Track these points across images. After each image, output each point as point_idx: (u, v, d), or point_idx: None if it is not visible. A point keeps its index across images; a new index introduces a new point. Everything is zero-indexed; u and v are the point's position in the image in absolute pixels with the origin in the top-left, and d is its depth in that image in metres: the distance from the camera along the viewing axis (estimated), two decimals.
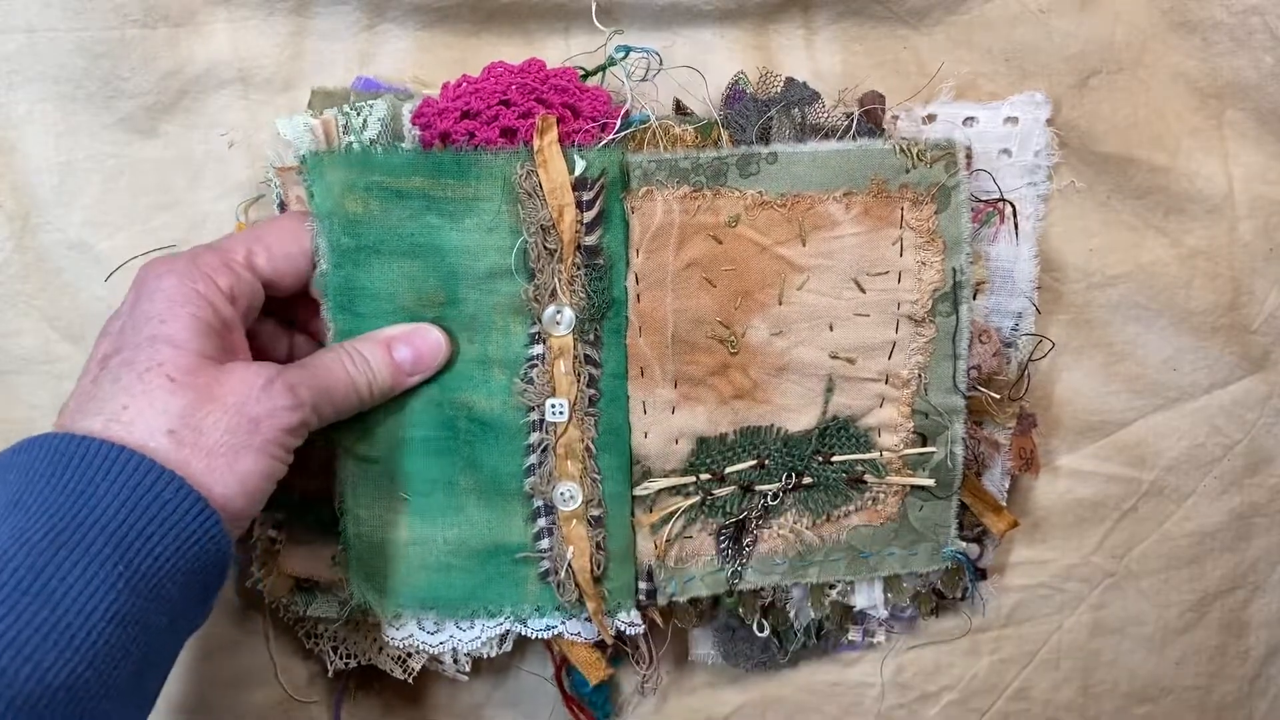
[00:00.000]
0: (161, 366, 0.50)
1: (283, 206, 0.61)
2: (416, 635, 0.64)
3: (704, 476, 0.64)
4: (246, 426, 0.52)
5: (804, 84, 0.62)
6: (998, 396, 0.64)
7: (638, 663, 0.69)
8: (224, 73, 0.62)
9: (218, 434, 0.51)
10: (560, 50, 0.63)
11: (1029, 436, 0.67)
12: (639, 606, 0.65)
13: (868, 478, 0.64)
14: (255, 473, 0.52)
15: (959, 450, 0.64)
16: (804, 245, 0.61)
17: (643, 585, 0.65)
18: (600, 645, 0.66)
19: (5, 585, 0.44)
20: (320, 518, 0.63)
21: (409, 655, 0.66)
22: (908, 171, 0.60)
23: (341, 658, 0.66)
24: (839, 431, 0.64)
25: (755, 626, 0.68)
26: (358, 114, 0.59)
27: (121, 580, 0.46)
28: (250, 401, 0.52)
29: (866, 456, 0.64)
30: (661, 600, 0.65)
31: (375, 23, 0.63)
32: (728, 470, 0.64)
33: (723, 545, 0.65)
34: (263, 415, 0.52)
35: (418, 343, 0.60)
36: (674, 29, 0.64)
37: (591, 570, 0.62)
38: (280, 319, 0.62)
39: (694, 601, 0.67)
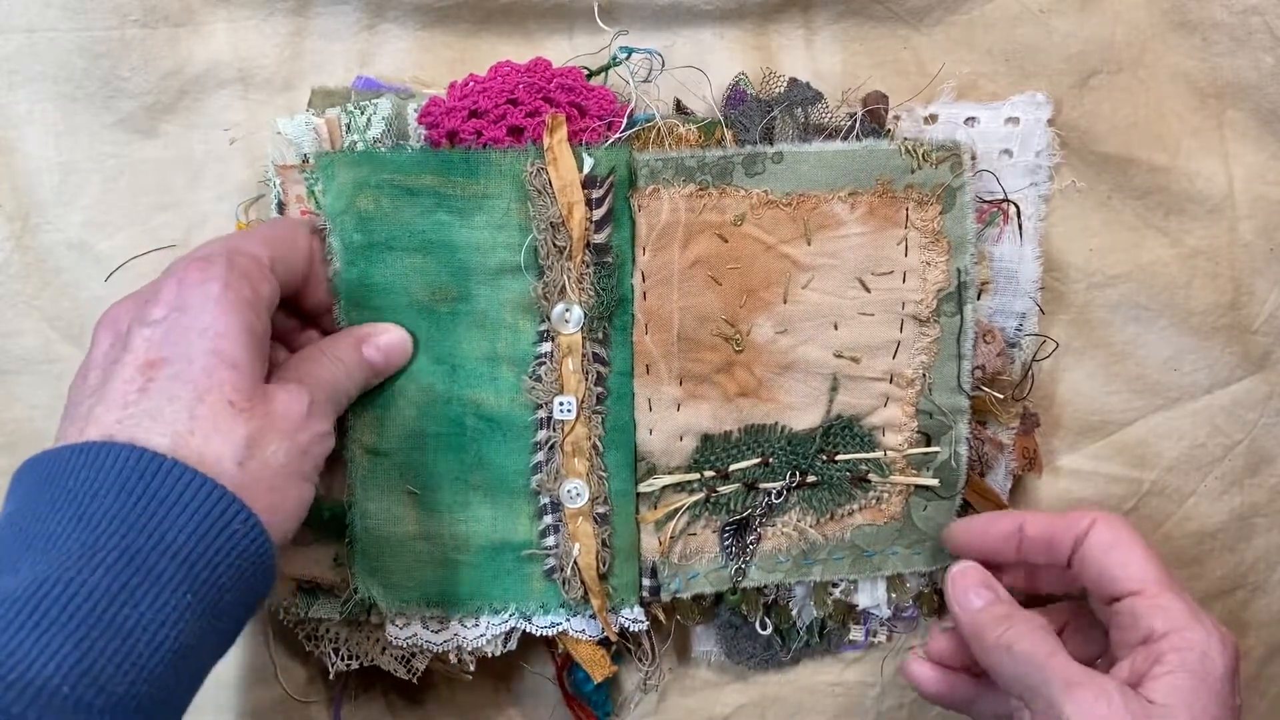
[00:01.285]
0: (222, 390, 0.49)
1: (281, 206, 0.61)
2: (421, 634, 0.64)
3: (708, 474, 0.64)
4: (299, 456, 0.51)
5: (806, 84, 0.62)
6: (1001, 396, 0.65)
7: (640, 660, 0.69)
8: (224, 73, 0.62)
9: (278, 464, 0.50)
10: (560, 50, 0.63)
11: (1032, 436, 0.67)
12: (642, 603, 0.65)
13: (872, 477, 0.64)
14: (302, 501, 0.52)
15: (963, 450, 0.64)
16: (809, 244, 0.61)
17: (646, 582, 0.65)
18: (604, 642, 0.66)
19: (81, 609, 0.43)
20: (321, 519, 0.63)
21: (413, 655, 0.66)
22: (913, 172, 0.61)
23: (343, 659, 0.66)
24: (843, 430, 0.64)
25: (758, 624, 0.68)
26: (361, 113, 0.59)
27: (189, 611, 0.45)
28: (300, 429, 0.52)
29: (870, 455, 0.64)
30: (665, 597, 0.65)
31: (375, 23, 0.63)
32: (732, 468, 0.64)
33: (726, 542, 0.65)
34: (310, 443, 0.52)
35: (383, 342, 0.59)
36: (674, 29, 0.64)
37: (597, 567, 0.62)
38: None
39: (697, 598, 0.67)
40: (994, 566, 0.61)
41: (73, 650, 0.42)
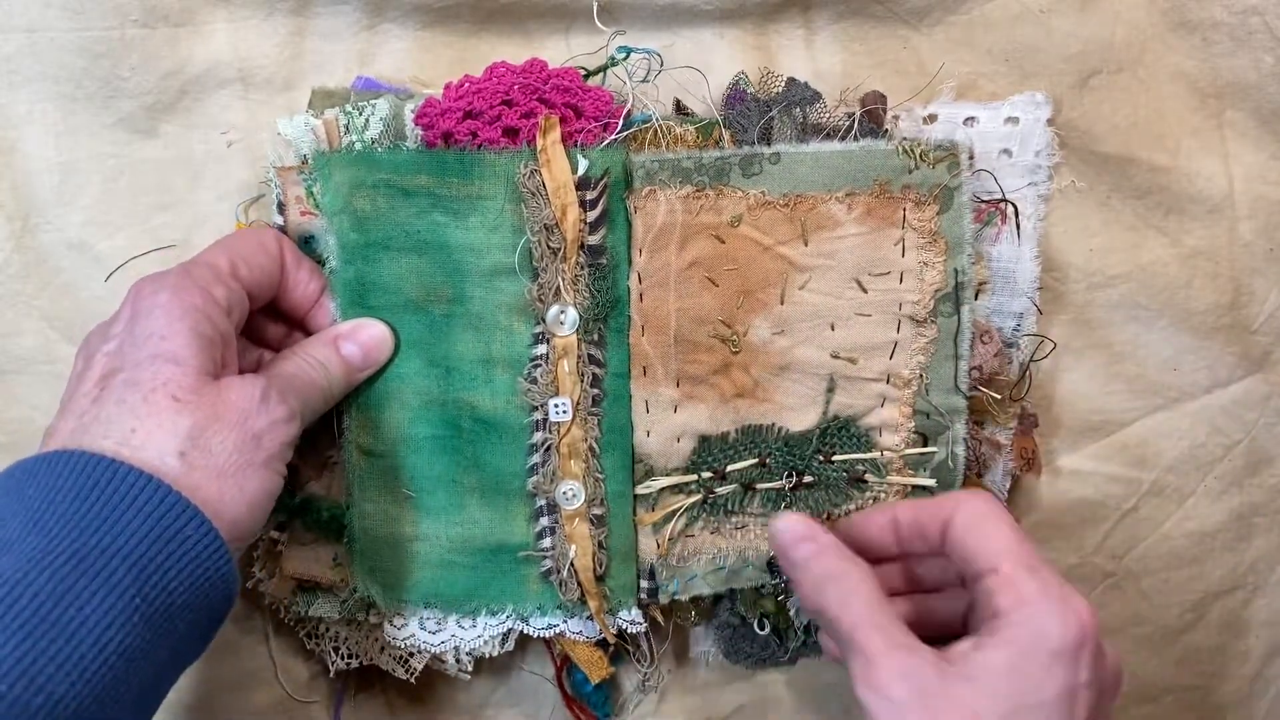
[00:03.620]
0: (166, 386, 0.50)
1: (282, 207, 0.61)
2: (418, 635, 0.64)
3: (705, 475, 0.64)
4: (251, 444, 0.51)
5: (805, 84, 0.62)
6: (999, 397, 0.64)
7: (639, 661, 0.69)
8: (224, 73, 0.62)
9: (225, 453, 0.50)
10: (560, 50, 0.63)
11: (1030, 436, 0.67)
12: (640, 605, 0.65)
13: (869, 477, 0.64)
14: (261, 491, 0.52)
15: (960, 450, 0.64)
16: (806, 245, 0.61)
17: (644, 584, 0.65)
18: (602, 644, 0.66)
19: (25, 611, 0.43)
20: (321, 519, 0.63)
21: (411, 655, 0.66)
22: (910, 172, 0.60)
23: (343, 658, 0.66)
24: (840, 431, 0.64)
25: (756, 624, 0.68)
26: (359, 114, 0.59)
27: (137, 614, 0.46)
28: (251, 416, 0.52)
29: (867, 456, 0.64)
30: (663, 599, 0.65)
31: (375, 23, 0.63)
32: (729, 469, 0.64)
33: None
34: (264, 430, 0.52)
35: (363, 338, 0.60)
36: (674, 29, 0.64)
37: (594, 569, 0.63)
38: (245, 334, 0.61)
39: (695, 599, 0.67)
40: (881, 561, 0.58)
41: (14, 650, 0.43)
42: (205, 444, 0.50)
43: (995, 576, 0.51)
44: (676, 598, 0.66)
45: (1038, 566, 0.51)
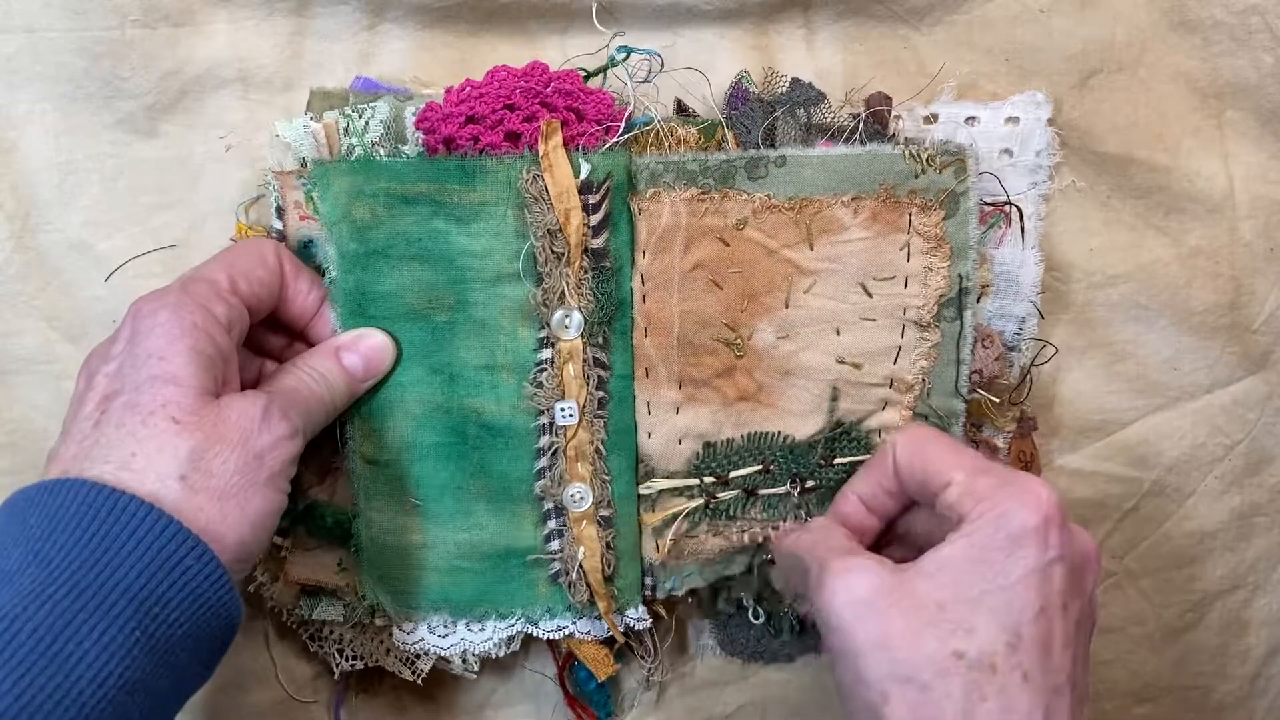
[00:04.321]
0: (165, 408, 0.50)
1: (281, 212, 0.61)
2: (427, 639, 0.64)
3: (708, 479, 0.64)
4: (253, 463, 0.51)
5: (809, 84, 0.62)
6: (998, 400, 0.64)
7: (642, 656, 0.69)
8: (224, 73, 0.62)
9: (227, 475, 0.50)
10: (560, 50, 0.63)
11: (1029, 439, 0.67)
12: (644, 601, 0.65)
13: None
14: (265, 511, 0.52)
15: None
16: (811, 249, 0.61)
17: (645, 580, 0.65)
18: (607, 641, 0.66)
19: (24, 646, 0.43)
20: (325, 525, 0.63)
21: (417, 656, 0.66)
22: (917, 177, 0.60)
23: (347, 660, 0.66)
24: (842, 436, 0.64)
25: (751, 614, 0.68)
26: (359, 116, 0.59)
27: (138, 647, 0.45)
28: (253, 435, 0.51)
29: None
30: (660, 595, 0.65)
31: (375, 23, 0.63)
32: (732, 475, 0.64)
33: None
34: (266, 448, 0.52)
35: (364, 348, 0.59)
36: (674, 29, 0.64)
37: (602, 570, 0.63)
38: (245, 345, 0.61)
39: (692, 592, 0.67)
40: (883, 539, 0.61)
41: (12, 686, 0.42)
42: (206, 466, 0.50)
43: (951, 488, 0.52)
44: (673, 593, 0.66)
45: (988, 467, 0.53)
